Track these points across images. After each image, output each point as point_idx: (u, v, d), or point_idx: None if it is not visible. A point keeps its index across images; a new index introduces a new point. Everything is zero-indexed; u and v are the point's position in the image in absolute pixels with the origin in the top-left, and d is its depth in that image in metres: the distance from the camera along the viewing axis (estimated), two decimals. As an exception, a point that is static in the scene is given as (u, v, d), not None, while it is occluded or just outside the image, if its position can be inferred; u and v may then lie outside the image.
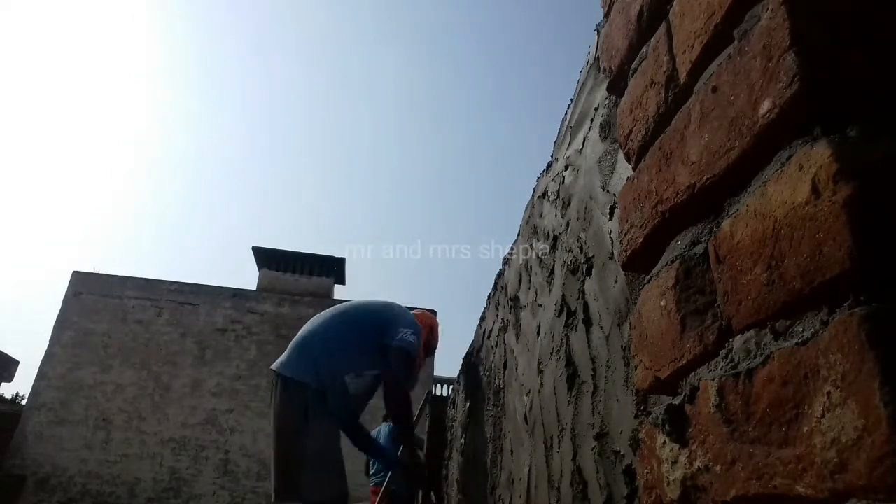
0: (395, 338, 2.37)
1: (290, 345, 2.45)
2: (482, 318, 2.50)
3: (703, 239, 0.55)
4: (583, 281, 1.10)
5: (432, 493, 3.14)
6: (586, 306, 1.07)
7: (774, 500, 0.42)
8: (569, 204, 1.24)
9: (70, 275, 14.99)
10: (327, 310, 2.63)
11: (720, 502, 0.48)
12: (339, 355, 2.37)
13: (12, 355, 15.36)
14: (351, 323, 2.50)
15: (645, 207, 0.64)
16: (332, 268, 17.01)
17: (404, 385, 2.39)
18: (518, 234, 1.83)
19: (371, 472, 5.29)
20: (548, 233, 1.42)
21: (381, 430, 5.64)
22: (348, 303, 2.71)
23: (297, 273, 16.59)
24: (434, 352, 2.99)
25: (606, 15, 0.83)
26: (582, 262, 1.11)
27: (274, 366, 2.38)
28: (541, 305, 1.43)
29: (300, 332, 2.51)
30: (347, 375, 2.37)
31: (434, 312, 15.82)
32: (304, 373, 2.28)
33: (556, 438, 1.19)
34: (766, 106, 0.45)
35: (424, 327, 2.72)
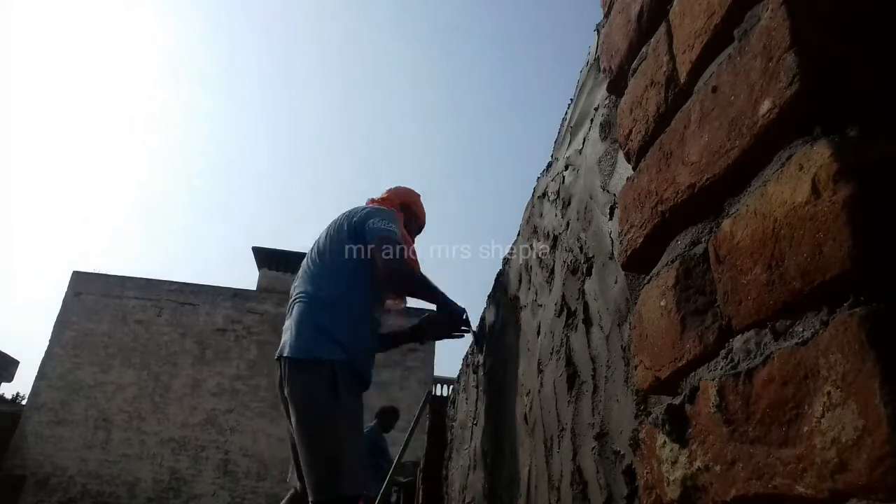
0: (370, 236, 2.04)
1: (288, 326, 2.08)
2: (482, 318, 2.50)
3: (703, 239, 0.55)
4: (583, 281, 1.10)
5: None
6: (586, 306, 1.07)
7: (774, 500, 0.42)
8: (569, 204, 1.24)
9: (70, 275, 15.00)
10: (303, 261, 2.25)
11: (720, 502, 0.48)
12: (345, 311, 2.01)
13: (12, 355, 15.35)
14: (331, 256, 2.13)
15: (645, 207, 0.64)
16: (332, 268, 16.97)
17: (400, 267, 2.02)
18: (518, 234, 1.83)
19: None
20: (548, 233, 1.42)
21: (372, 427, 5.63)
22: (317, 240, 2.28)
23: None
24: (422, 229, 2.54)
25: (606, 15, 0.83)
26: (582, 262, 1.11)
27: (283, 352, 1.99)
28: (541, 305, 1.43)
29: (292, 305, 2.13)
30: (374, 314, 2.06)
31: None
32: (317, 348, 1.93)
33: (556, 438, 1.19)
34: (766, 106, 0.45)
35: (398, 206, 2.36)
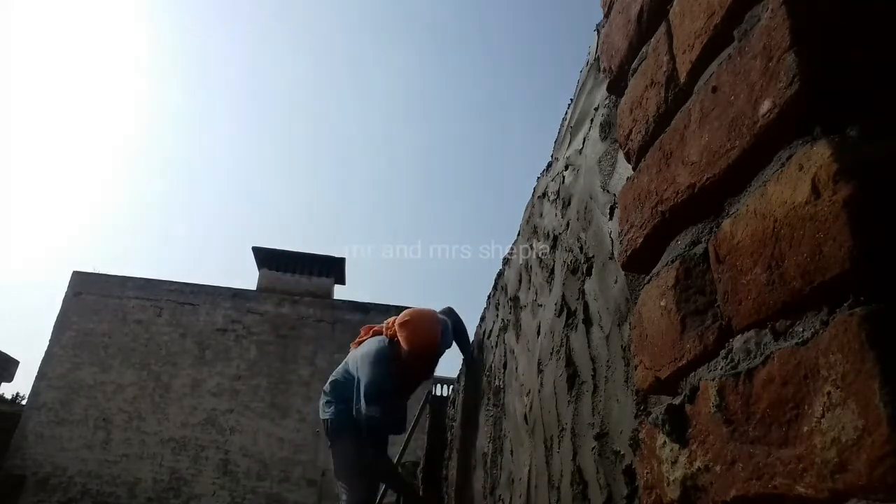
0: (361, 399, 2.55)
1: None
2: (482, 318, 2.50)
3: (703, 239, 0.55)
4: (583, 281, 1.10)
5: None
6: (586, 306, 1.07)
7: (774, 500, 0.42)
8: (569, 204, 1.24)
9: (70, 275, 15.00)
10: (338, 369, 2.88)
11: (720, 502, 0.48)
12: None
13: (12, 355, 15.33)
14: (353, 386, 2.67)
15: (645, 207, 0.64)
16: (333, 268, 16.99)
17: (372, 431, 2.57)
18: (518, 234, 1.83)
19: None
20: (548, 233, 1.42)
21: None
22: (346, 361, 2.85)
23: (298, 273, 16.57)
24: (432, 346, 2.63)
25: (606, 15, 0.83)
26: (582, 262, 1.11)
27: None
28: (541, 305, 1.43)
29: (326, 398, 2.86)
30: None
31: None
32: (324, 411, 2.74)
33: (556, 438, 1.19)
34: (766, 106, 0.45)
35: (397, 332, 2.61)
